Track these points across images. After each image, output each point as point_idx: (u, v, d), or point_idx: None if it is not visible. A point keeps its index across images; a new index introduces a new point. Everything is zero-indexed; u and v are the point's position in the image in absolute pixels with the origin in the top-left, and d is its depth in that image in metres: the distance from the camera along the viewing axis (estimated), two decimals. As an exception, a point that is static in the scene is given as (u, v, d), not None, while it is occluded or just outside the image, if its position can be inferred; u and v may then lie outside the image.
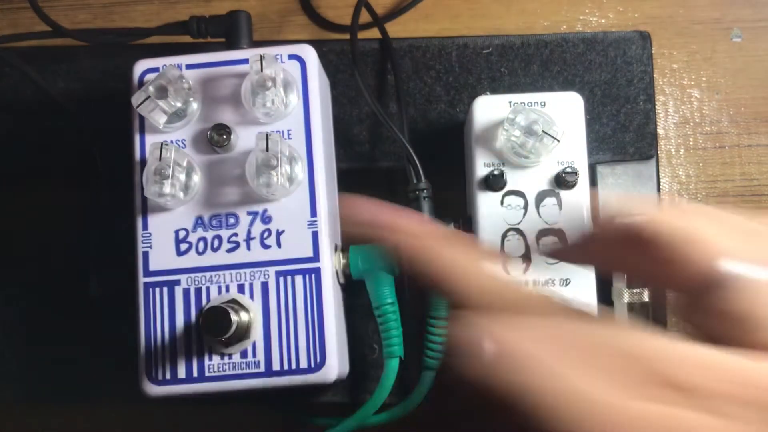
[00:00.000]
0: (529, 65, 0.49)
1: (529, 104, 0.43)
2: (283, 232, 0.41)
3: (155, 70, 0.43)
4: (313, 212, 0.41)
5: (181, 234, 0.41)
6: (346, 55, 0.49)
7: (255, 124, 0.42)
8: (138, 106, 0.41)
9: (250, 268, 0.41)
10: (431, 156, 0.47)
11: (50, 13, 0.48)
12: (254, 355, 0.40)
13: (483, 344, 0.22)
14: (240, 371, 0.40)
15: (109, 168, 0.49)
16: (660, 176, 0.49)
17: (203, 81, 0.43)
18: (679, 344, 0.22)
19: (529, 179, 0.43)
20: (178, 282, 0.41)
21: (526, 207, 0.42)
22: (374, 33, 0.50)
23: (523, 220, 0.42)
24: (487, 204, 0.43)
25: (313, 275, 0.41)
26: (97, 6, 0.55)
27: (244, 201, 0.42)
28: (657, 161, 0.49)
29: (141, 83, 0.42)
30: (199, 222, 0.41)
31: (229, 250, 0.41)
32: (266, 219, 0.41)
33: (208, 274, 0.41)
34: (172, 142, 0.42)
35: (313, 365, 0.40)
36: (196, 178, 0.42)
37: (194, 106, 0.42)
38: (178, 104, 0.41)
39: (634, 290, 0.43)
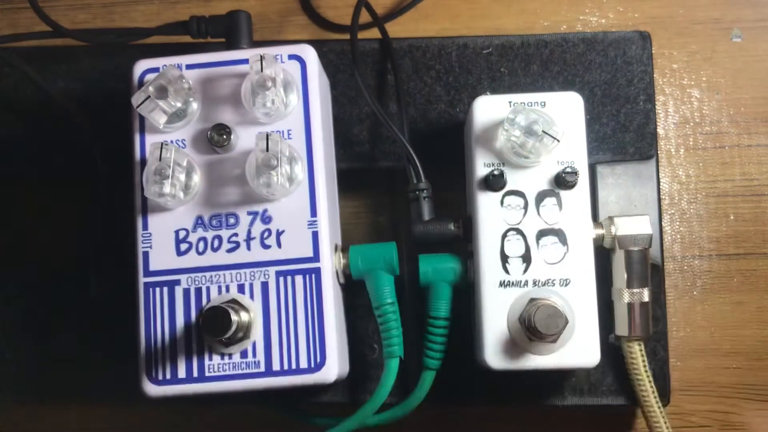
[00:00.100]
0: (529, 65, 0.49)
1: (529, 104, 0.43)
2: (283, 232, 0.41)
3: (155, 70, 0.43)
4: (313, 212, 0.41)
5: (181, 234, 0.41)
6: (346, 55, 0.49)
7: (255, 124, 0.42)
8: (138, 106, 0.41)
9: (250, 268, 0.41)
10: (431, 156, 0.47)
11: (50, 13, 0.48)
12: (254, 355, 0.40)
13: None
14: (240, 371, 0.40)
15: (109, 168, 0.49)
16: (660, 176, 0.49)
17: (203, 81, 0.43)
18: None
19: (529, 179, 0.43)
20: (178, 282, 0.41)
21: (526, 207, 0.42)
22: (374, 33, 0.50)
23: (523, 220, 0.42)
24: (487, 204, 0.43)
25: (313, 275, 0.41)
26: (97, 6, 0.55)
27: (244, 201, 0.42)
28: (657, 161, 0.49)
29: (141, 83, 0.42)
30: (199, 222, 0.42)
31: (229, 250, 0.41)
32: (266, 219, 0.41)
33: (208, 274, 0.41)
34: (172, 142, 0.42)
35: (313, 365, 0.40)
36: (196, 178, 0.42)
37: (194, 106, 0.42)
38: (178, 104, 0.41)
39: (634, 290, 0.43)
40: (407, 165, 0.45)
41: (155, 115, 0.41)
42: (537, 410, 0.49)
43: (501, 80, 0.49)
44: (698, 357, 0.50)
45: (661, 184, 0.50)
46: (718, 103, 0.52)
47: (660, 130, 0.51)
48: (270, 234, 0.41)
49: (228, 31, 0.46)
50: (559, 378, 0.47)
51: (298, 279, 0.41)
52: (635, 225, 0.44)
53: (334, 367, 0.40)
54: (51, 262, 0.50)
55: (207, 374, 0.40)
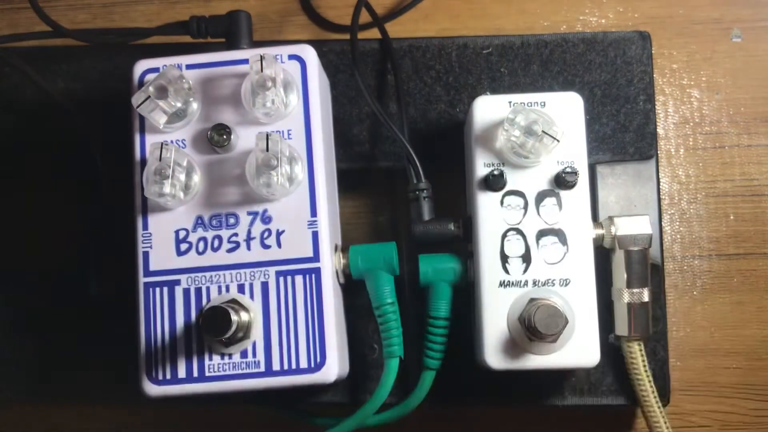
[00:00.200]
0: (529, 65, 0.49)
1: (529, 104, 0.43)
2: (283, 232, 0.41)
3: (155, 70, 0.43)
4: (313, 212, 0.41)
5: (182, 234, 0.41)
6: (346, 55, 0.49)
7: (255, 124, 0.42)
8: (138, 106, 0.41)
9: (250, 268, 0.41)
10: (431, 156, 0.47)
11: (50, 13, 0.48)
12: (254, 355, 0.40)
13: None
14: (240, 371, 0.40)
15: (109, 168, 0.49)
16: (660, 176, 0.49)
17: (203, 81, 0.43)
18: None
19: (529, 179, 0.43)
20: (178, 282, 0.41)
21: (526, 207, 0.43)
22: (374, 33, 0.50)
23: (523, 220, 0.42)
24: (487, 204, 0.43)
25: (313, 275, 0.41)
26: (97, 6, 0.55)
27: (244, 201, 0.42)
28: (657, 161, 0.49)
29: (141, 83, 0.43)
30: (199, 222, 0.42)
31: (230, 250, 0.41)
32: (266, 219, 0.41)
33: (208, 274, 0.41)
34: (172, 142, 0.42)
35: (313, 365, 0.40)
36: (196, 178, 0.42)
37: (194, 106, 0.42)
38: (179, 104, 0.41)
39: (634, 290, 0.43)
40: (407, 165, 0.45)
41: (155, 115, 0.41)
42: (537, 410, 0.49)
43: (501, 80, 0.49)
44: (698, 357, 0.50)
45: (661, 184, 0.50)
46: (717, 103, 0.52)
47: (660, 130, 0.51)
48: (270, 234, 0.41)
49: (228, 31, 0.46)
50: (559, 378, 0.47)
51: (298, 279, 0.41)
52: (635, 225, 0.44)
53: (334, 367, 0.40)
54: (51, 262, 0.50)
55: (207, 374, 0.40)
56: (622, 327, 0.44)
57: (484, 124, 0.43)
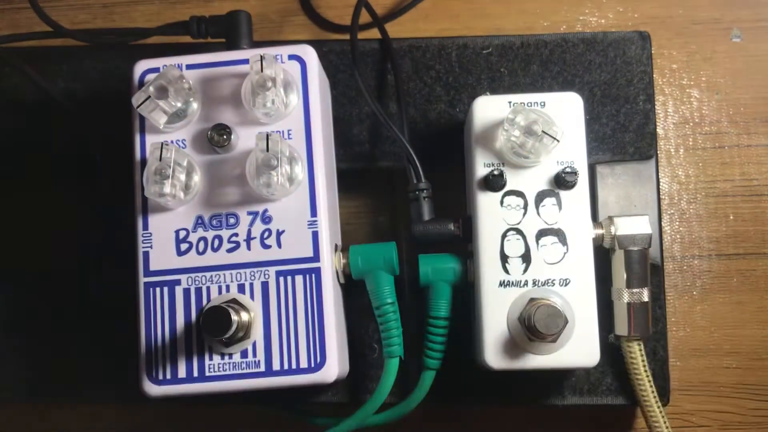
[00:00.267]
0: (528, 65, 0.49)
1: (529, 104, 0.43)
2: (283, 232, 0.41)
3: (155, 70, 0.43)
4: (314, 212, 0.41)
5: (182, 234, 0.41)
6: (346, 55, 0.49)
7: (255, 124, 0.42)
8: (138, 107, 0.41)
9: (251, 268, 0.41)
10: (431, 156, 0.47)
11: (50, 14, 0.48)
12: (254, 355, 0.40)
13: None
14: (240, 371, 0.40)
15: (109, 168, 0.49)
16: (659, 176, 0.49)
17: (203, 81, 0.43)
18: None
19: (529, 179, 0.43)
20: (178, 282, 0.41)
21: (525, 207, 0.43)
22: (374, 33, 0.50)
23: (522, 220, 0.42)
24: (487, 204, 0.43)
25: (313, 275, 0.41)
26: (98, 6, 0.55)
27: (245, 201, 0.42)
28: (656, 161, 0.49)
29: (141, 83, 0.43)
30: (199, 222, 0.42)
31: (230, 250, 0.41)
32: (266, 219, 0.41)
33: (208, 274, 0.41)
34: (172, 142, 0.42)
35: (313, 365, 0.40)
36: (197, 178, 0.42)
37: (194, 106, 0.42)
38: (179, 104, 0.41)
39: (634, 290, 0.44)
40: (407, 165, 0.45)
41: (155, 115, 0.41)
42: (537, 410, 0.49)
43: (501, 80, 0.49)
44: (698, 357, 0.50)
45: (661, 184, 0.50)
46: (717, 103, 0.52)
47: (659, 130, 0.51)
48: (270, 234, 0.41)
49: (228, 32, 0.46)
50: (559, 378, 0.47)
51: (298, 279, 0.41)
52: (635, 225, 0.44)
53: (334, 367, 0.40)
54: (51, 262, 0.50)
55: (207, 374, 0.40)
56: (621, 327, 0.44)
57: (484, 124, 0.43)
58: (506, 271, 0.42)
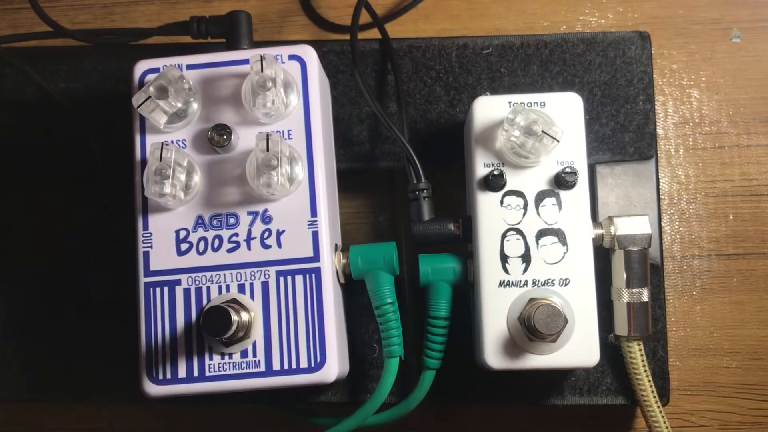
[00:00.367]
0: (528, 65, 0.49)
1: (529, 104, 0.43)
2: (283, 232, 0.41)
3: (156, 70, 0.43)
4: (314, 212, 0.41)
5: (182, 234, 0.41)
6: (346, 55, 0.49)
7: (255, 124, 0.42)
8: (138, 107, 0.41)
9: (251, 268, 0.41)
10: (431, 156, 0.47)
11: (51, 14, 0.48)
12: (254, 355, 0.40)
13: None
14: (240, 371, 0.40)
15: (109, 168, 0.49)
16: (659, 176, 0.49)
17: (204, 81, 0.43)
18: None
19: (529, 179, 0.43)
20: (178, 282, 0.41)
21: (525, 207, 0.43)
22: (374, 33, 0.50)
23: (522, 220, 0.43)
24: (486, 204, 0.43)
25: (313, 275, 0.41)
26: (98, 6, 0.55)
27: (245, 201, 0.42)
28: (656, 161, 0.49)
29: (141, 83, 0.43)
30: (199, 222, 0.42)
31: (230, 250, 0.41)
32: (266, 219, 0.41)
33: (208, 274, 0.41)
34: (172, 142, 0.42)
35: (313, 365, 0.40)
36: (197, 178, 0.42)
37: (195, 106, 0.42)
38: (179, 104, 0.42)
39: (634, 290, 0.44)
40: (407, 165, 0.45)
41: (156, 115, 0.41)
42: (537, 410, 0.50)
43: (501, 80, 0.49)
44: (697, 357, 0.50)
45: (661, 184, 0.50)
46: (717, 103, 0.52)
47: (659, 131, 0.51)
48: (270, 234, 0.41)
49: (228, 32, 0.46)
50: (559, 378, 0.47)
51: (299, 279, 0.41)
52: (634, 225, 0.44)
53: (334, 367, 0.40)
54: (51, 262, 0.50)
55: (207, 374, 0.40)
56: (621, 327, 0.44)
57: (483, 124, 0.43)
58: (506, 271, 0.42)
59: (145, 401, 0.41)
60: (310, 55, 0.43)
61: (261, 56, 0.40)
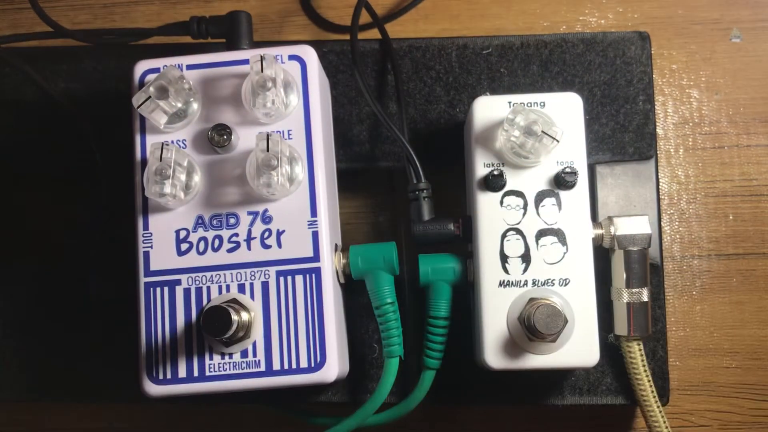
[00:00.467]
0: (528, 65, 0.49)
1: (529, 104, 0.43)
2: (283, 232, 0.41)
3: (156, 70, 0.43)
4: (314, 212, 0.41)
5: (182, 234, 0.41)
6: (346, 55, 0.49)
7: (255, 124, 0.42)
8: (139, 107, 0.41)
9: (251, 268, 0.41)
10: (431, 156, 0.47)
11: (51, 14, 0.48)
12: (254, 355, 0.40)
13: None
14: (240, 371, 0.40)
15: (109, 168, 0.49)
16: (659, 176, 0.49)
17: (204, 81, 0.43)
18: None
19: (529, 179, 0.43)
20: (178, 282, 0.41)
21: (525, 207, 0.43)
22: (374, 33, 0.51)
23: (522, 220, 0.43)
24: (486, 204, 0.43)
25: (313, 275, 0.41)
26: (98, 6, 0.55)
27: (245, 201, 0.42)
28: (656, 161, 0.49)
29: (142, 84, 0.43)
30: (199, 222, 0.42)
31: (230, 250, 0.41)
32: (266, 219, 0.41)
33: (208, 274, 0.41)
34: (172, 142, 0.42)
35: (313, 365, 0.40)
36: (197, 178, 0.42)
37: (195, 106, 0.42)
38: (179, 104, 0.42)
39: (633, 290, 0.44)
40: (407, 165, 0.45)
41: (156, 115, 0.41)
42: (537, 410, 0.50)
43: (500, 80, 0.49)
44: (697, 357, 0.50)
45: (661, 184, 0.50)
46: (717, 103, 0.52)
47: (659, 131, 0.51)
48: (270, 234, 0.41)
49: (228, 32, 0.46)
50: (559, 377, 0.47)
51: (299, 279, 0.41)
52: (634, 225, 0.44)
53: (334, 366, 0.40)
54: (51, 261, 0.50)
55: (207, 374, 0.40)
56: (621, 327, 0.44)
57: (483, 124, 0.43)
58: (506, 271, 0.42)
59: (145, 401, 0.41)
60: (310, 55, 0.43)
61: (261, 56, 0.40)
